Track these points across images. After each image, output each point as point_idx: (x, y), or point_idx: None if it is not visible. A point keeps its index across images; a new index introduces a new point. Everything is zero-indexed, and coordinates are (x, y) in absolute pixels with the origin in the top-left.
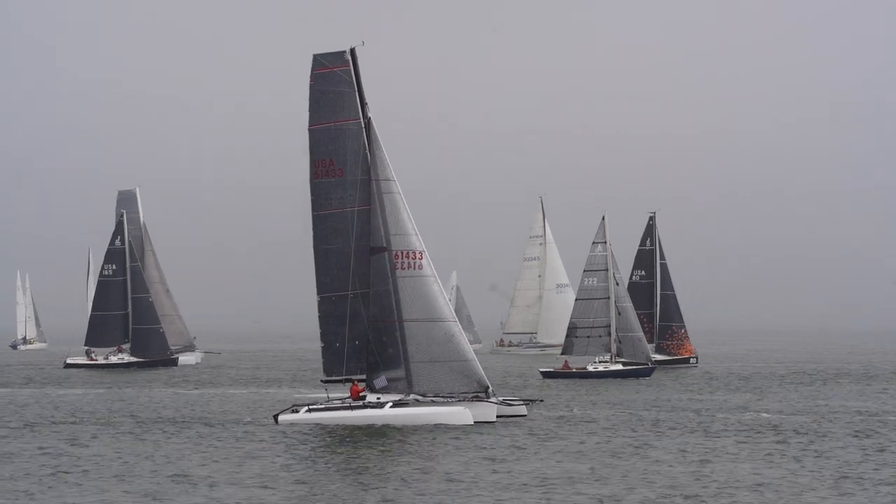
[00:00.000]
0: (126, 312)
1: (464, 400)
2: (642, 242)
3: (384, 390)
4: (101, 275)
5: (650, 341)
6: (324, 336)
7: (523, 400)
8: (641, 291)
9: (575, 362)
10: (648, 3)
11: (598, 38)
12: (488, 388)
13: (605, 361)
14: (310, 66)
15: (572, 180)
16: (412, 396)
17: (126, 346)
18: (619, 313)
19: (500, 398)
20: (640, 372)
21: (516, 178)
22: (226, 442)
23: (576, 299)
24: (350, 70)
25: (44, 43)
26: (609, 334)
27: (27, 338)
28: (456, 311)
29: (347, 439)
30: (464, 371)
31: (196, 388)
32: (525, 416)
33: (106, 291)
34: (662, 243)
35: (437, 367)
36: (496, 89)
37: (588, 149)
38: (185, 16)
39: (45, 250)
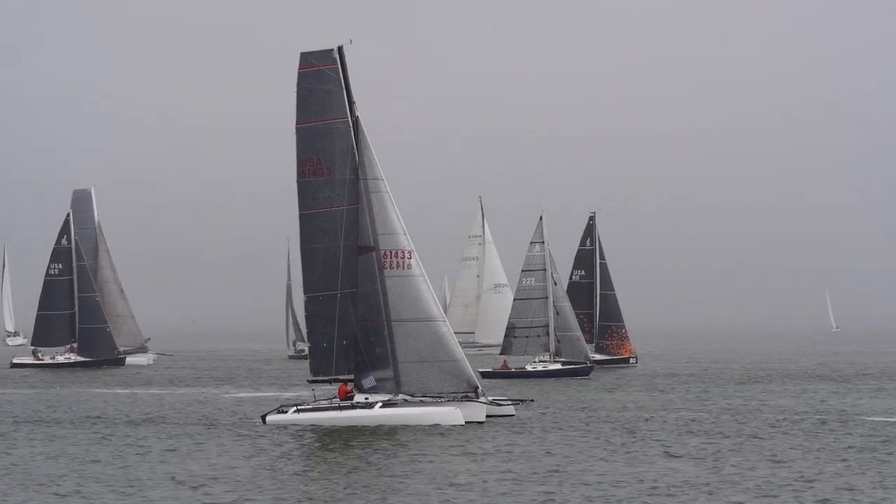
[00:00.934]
0: (73, 312)
1: (453, 400)
2: (582, 242)
3: (372, 390)
4: (47, 274)
5: (590, 341)
6: (310, 336)
7: (513, 400)
8: (582, 291)
9: (514, 362)
10: (648, 4)
11: (599, 38)
12: (478, 388)
13: (545, 361)
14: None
15: (515, 181)
16: (401, 396)
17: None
18: (558, 313)
19: (490, 398)
20: (578, 371)
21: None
22: (213, 443)
23: (514, 299)
24: (338, 68)
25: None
26: (548, 334)
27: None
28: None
29: (337, 440)
30: (453, 371)
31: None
32: (513, 415)
33: (52, 291)
34: (603, 243)
35: (425, 367)
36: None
37: (584, 150)
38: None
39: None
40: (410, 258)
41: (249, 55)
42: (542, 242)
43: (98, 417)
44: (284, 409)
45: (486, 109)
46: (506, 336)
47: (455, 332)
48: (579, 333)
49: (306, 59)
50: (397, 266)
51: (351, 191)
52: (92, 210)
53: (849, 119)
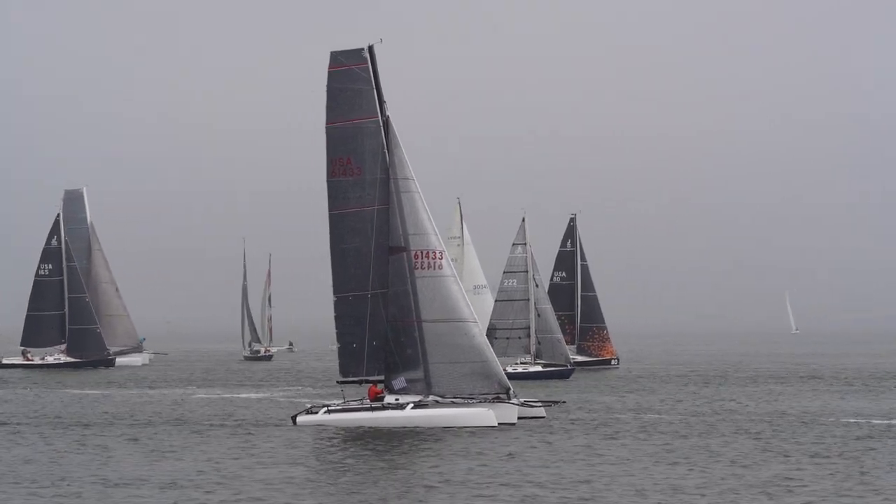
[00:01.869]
0: (63, 312)
1: (484, 401)
2: (563, 244)
3: (403, 391)
4: (37, 275)
5: (571, 342)
6: (340, 337)
7: (545, 401)
8: (562, 293)
9: None
10: (648, 4)
11: (599, 38)
12: (509, 389)
13: (526, 363)
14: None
15: (493, 182)
16: (431, 397)
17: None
18: (539, 315)
19: (522, 399)
20: (559, 373)
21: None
22: (244, 443)
23: (495, 301)
24: (368, 67)
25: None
26: (528, 336)
27: None
28: None
29: (370, 441)
30: (484, 372)
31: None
32: (543, 417)
33: (41, 291)
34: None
35: (456, 368)
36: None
37: (583, 150)
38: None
39: None
40: (441, 258)
41: (251, 54)
42: (525, 244)
43: (57, 418)
44: (315, 409)
45: (485, 109)
46: (486, 337)
47: None
48: (560, 335)
49: (336, 58)
50: (428, 266)
51: (382, 191)
52: (84, 210)
53: (849, 119)
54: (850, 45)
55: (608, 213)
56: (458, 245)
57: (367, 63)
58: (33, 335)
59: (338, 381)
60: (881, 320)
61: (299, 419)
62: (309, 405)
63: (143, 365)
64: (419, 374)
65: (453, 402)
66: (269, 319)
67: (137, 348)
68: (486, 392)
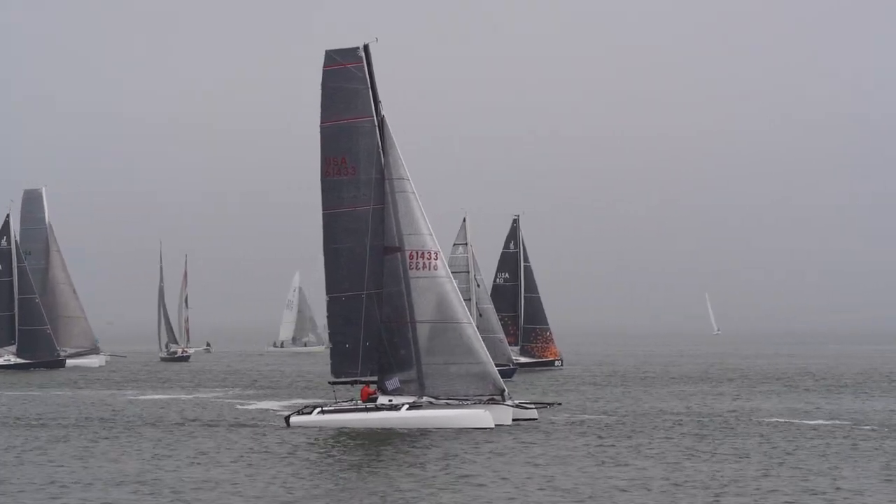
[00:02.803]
0: (12, 313)
1: (478, 403)
2: (506, 245)
3: (396, 392)
4: None
5: (515, 343)
6: (332, 337)
7: (539, 403)
8: (506, 294)
9: None
10: (649, 4)
11: (599, 38)
12: (504, 390)
13: None
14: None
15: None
16: (425, 399)
17: None
18: (481, 315)
19: (516, 401)
20: (501, 373)
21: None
22: (236, 444)
23: None
24: (364, 66)
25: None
26: None
27: None
28: (298, 313)
29: (363, 442)
30: (479, 373)
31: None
32: (536, 419)
33: None
34: (527, 245)
35: (450, 370)
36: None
37: (584, 150)
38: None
39: None
40: (436, 259)
41: (247, 55)
42: (466, 244)
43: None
44: (308, 410)
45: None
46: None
47: None
48: (502, 335)
49: (331, 56)
50: (423, 267)
51: (377, 190)
52: (42, 210)
53: (849, 119)
54: (850, 45)
55: (598, 214)
56: None
57: (362, 62)
58: None
59: (329, 382)
60: (867, 321)
61: (293, 420)
62: (303, 406)
63: (100, 367)
64: (412, 375)
65: (447, 404)
66: (187, 321)
67: (94, 350)
68: (480, 393)
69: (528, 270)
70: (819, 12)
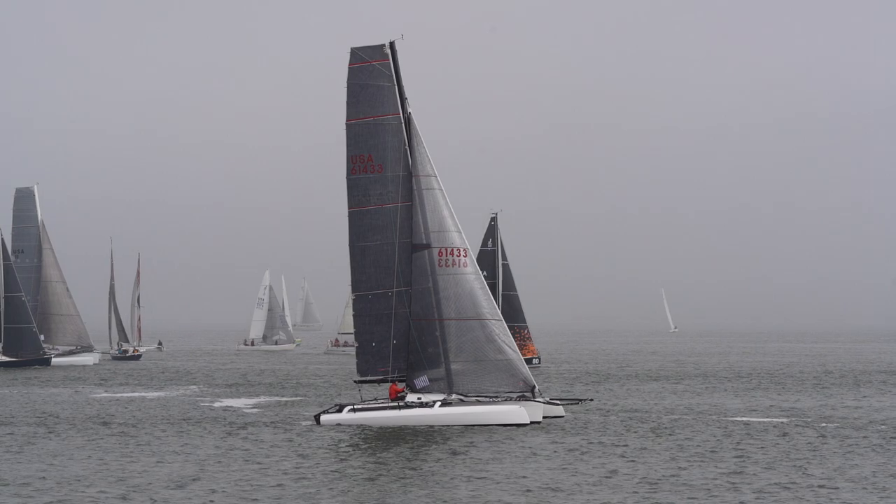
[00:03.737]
0: None
1: (508, 400)
2: (484, 243)
3: (425, 390)
4: None
5: None
6: (358, 336)
7: (572, 399)
8: None
9: None
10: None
11: (599, 39)
12: (535, 387)
13: None
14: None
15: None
16: (454, 396)
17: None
18: None
19: (547, 398)
20: None
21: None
22: (265, 443)
23: None
24: (389, 64)
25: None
26: None
27: None
28: (269, 312)
29: (396, 439)
30: (508, 370)
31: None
32: (563, 416)
33: None
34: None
35: (479, 367)
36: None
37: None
38: None
39: None
40: (465, 256)
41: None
42: None
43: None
44: (339, 407)
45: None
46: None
47: (350, 333)
48: None
49: (357, 54)
50: (452, 264)
51: (404, 188)
52: (35, 208)
53: (849, 119)
54: (851, 45)
55: (564, 214)
56: None
57: (388, 59)
58: None
59: (355, 381)
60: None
61: (323, 418)
62: (336, 403)
63: (95, 364)
64: (441, 372)
65: (477, 401)
66: (139, 320)
67: (88, 348)
68: (510, 390)
69: (507, 268)
70: (819, 13)
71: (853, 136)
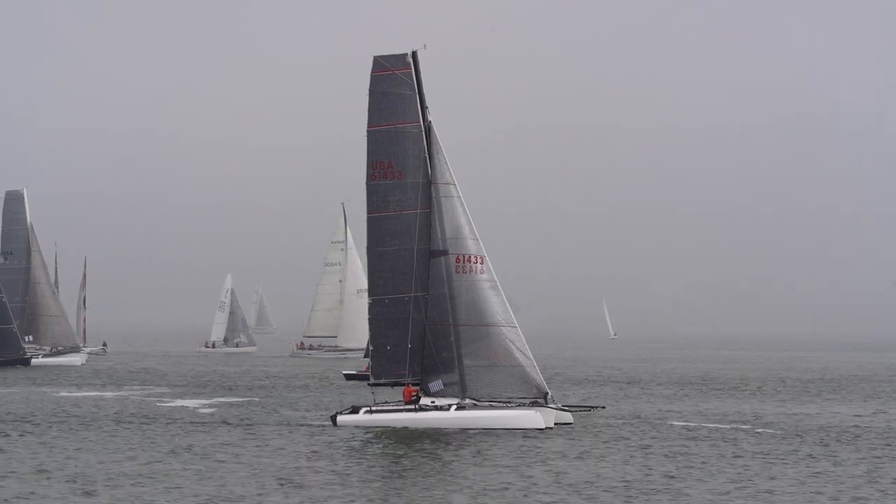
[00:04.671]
0: None
1: (521, 405)
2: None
3: (439, 394)
4: None
5: None
6: (373, 339)
7: (584, 406)
8: None
9: None
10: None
11: (599, 40)
12: (548, 393)
13: None
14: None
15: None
16: (467, 401)
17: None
18: None
19: (560, 404)
20: None
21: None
22: (282, 444)
23: None
24: (411, 73)
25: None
26: None
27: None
28: (230, 314)
29: (412, 442)
30: (522, 376)
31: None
32: (572, 423)
33: None
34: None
35: (493, 372)
36: None
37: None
38: None
39: None
40: (481, 263)
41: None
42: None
43: None
44: (356, 409)
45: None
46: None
47: (316, 337)
48: None
49: (379, 62)
50: (469, 271)
51: (424, 195)
52: (24, 211)
53: (849, 120)
54: (851, 45)
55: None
56: (342, 249)
57: (410, 68)
58: None
59: (369, 384)
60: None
61: (340, 419)
62: (350, 405)
63: (82, 365)
64: (454, 377)
65: (490, 406)
66: (84, 321)
67: (75, 348)
68: (523, 396)
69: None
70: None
71: (853, 136)
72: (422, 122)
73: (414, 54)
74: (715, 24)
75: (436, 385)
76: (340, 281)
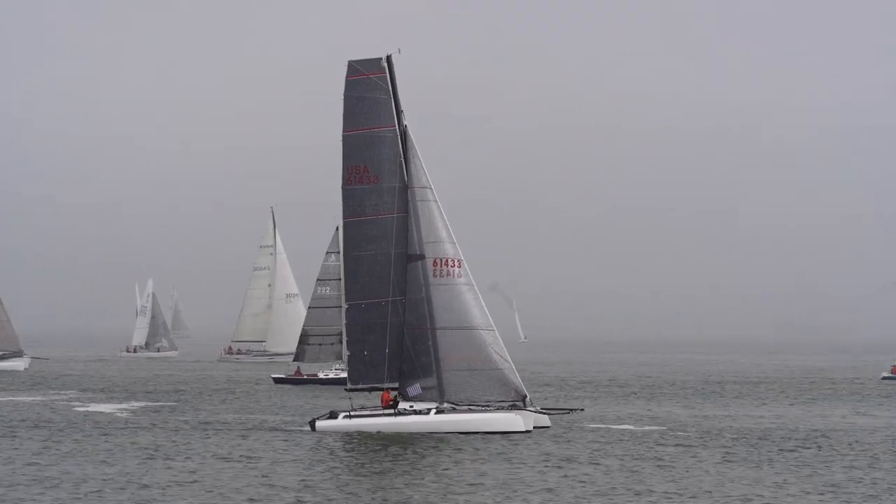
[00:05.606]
0: None
1: (499, 409)
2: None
3: (417, 398)
4: None
5: None
6: (350, 344)
7: (563, 409)
8: None
9: (307, 369)
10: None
11: (599, 41)
12: (526, 396)
13: (340, 368)
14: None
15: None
16: (445, 405)
17: None
18: None
19: (538, 407)
20: None
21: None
22: (258, 450)
23: (309, 307)
24: (386, 77)
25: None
26: (341, 342)
27: None
28: (152, 319)
29: (391, 447)
30: (500, 379)
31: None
32: (549, 426)
33: None
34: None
35: (471, 376)
36: None
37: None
38: None
39: None
40: (459, 266)
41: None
42: (339, 252)
43: None
44: (334, 414)
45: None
46: (300, 343)
47: (245, 341)
48: None
49: (354, 67)
50: (446, 275)
51: (400, 199)
52: None
53: (849, 120)
54: (851, 46)
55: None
56: (271, 254)
57: (385, 73)
58: None
59: (346, 389)
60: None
61: (318, 424)
62: (328, 410)
63: (25, 369)
64: (432, 381)
65: (469, 409)
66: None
67: (17, 353)
68: (501, 399)
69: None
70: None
71: (853, 135)
72: (397, 127)
73: (388, 58)
74: (715, 23)
75: (414, 389)
76: (269, 285)
